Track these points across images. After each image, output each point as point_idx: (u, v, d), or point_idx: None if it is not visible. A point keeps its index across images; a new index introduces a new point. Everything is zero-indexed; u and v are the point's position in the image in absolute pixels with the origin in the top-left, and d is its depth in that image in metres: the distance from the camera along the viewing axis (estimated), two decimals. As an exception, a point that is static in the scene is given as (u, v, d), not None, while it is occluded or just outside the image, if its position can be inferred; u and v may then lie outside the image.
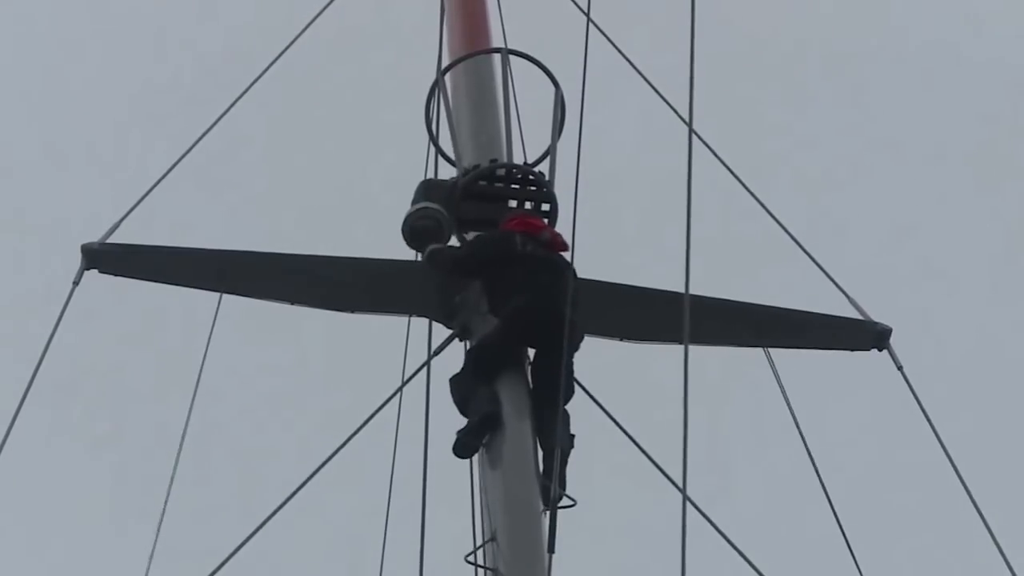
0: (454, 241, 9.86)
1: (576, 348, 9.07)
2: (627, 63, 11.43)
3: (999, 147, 21.13)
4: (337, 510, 14.42)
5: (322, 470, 8.77)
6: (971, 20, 21.61)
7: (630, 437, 9.19)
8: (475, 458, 8.81)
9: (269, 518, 8.54)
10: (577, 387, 9.06)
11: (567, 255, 9.21)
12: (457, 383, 9.02)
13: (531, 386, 8.92)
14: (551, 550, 7.54)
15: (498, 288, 9.18)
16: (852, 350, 10.44)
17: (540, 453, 8.61)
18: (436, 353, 9.22)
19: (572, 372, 9.04)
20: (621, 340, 10.12)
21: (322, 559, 16.00)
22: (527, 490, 8.38)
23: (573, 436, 8.83)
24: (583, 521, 8.59)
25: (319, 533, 15.35)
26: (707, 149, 10.70)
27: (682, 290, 6.47)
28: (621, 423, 9.22)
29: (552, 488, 8.03)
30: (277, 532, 8.61)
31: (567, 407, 8.82)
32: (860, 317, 10.37)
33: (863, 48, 21.47)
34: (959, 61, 21.55)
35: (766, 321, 10.30)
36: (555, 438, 8.54)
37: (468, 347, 9.42)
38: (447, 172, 10.45)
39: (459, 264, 9.48)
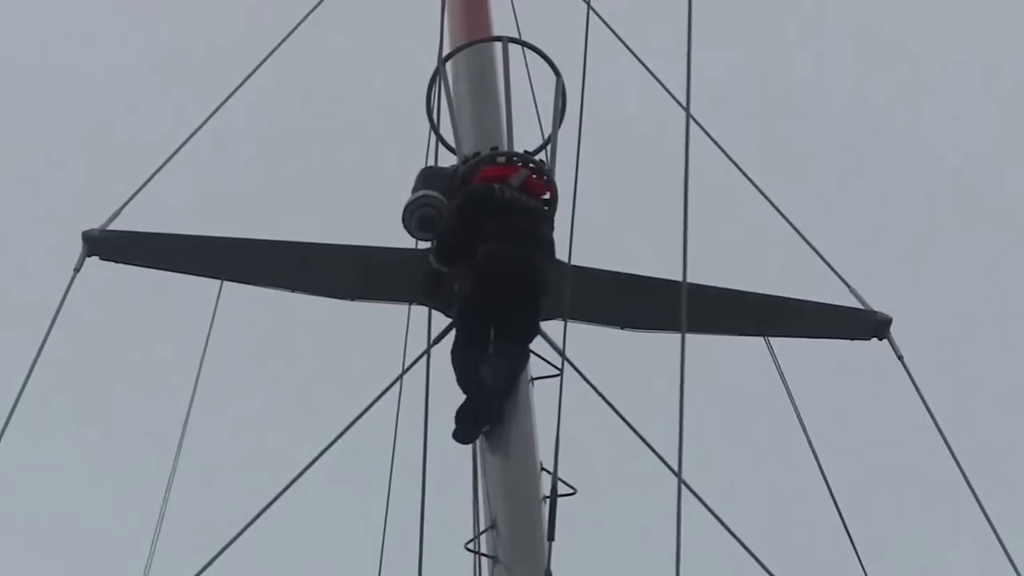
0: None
1: (541, 292, 8.91)
2: (628, 51, 11.44)
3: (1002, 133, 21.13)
4: (337, 498, 14.43)
5: (322, 458, 8.79)
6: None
7: (629, 425, 9.19)
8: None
9: (268, 506, 8.55)
10: (577, 376, 9.05)
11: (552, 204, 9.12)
12: (453, 358, 9.00)
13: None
14: (551, 538, 7.54)
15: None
16: (852, 339, 10.44)
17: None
18: (436, 341, 9.21)
19: (536, 314, 8.95)
20: (620, 328, 10.13)
21: (322, 546, 16.03)
22: (527, 478, 8.40)
23: (517, 365, 8.83)
24: (583, 509, 8.62)
25: (319, 521, 15.37)
26: (706, 136, 10.71)
27: (680, 278, 6.48)
28: (620, 411, 9.23)
29: (553, 478, 8.03)
30: (277, 520, 8.63)
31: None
32: (860, 306, 10.37)
33: (866, 30, 21.44)
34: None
35: (766, 310, 10.31)
36: (498, 372, 8.68)
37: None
38: (448, 160, 10.46)
39: (449, 236, 9.32)
